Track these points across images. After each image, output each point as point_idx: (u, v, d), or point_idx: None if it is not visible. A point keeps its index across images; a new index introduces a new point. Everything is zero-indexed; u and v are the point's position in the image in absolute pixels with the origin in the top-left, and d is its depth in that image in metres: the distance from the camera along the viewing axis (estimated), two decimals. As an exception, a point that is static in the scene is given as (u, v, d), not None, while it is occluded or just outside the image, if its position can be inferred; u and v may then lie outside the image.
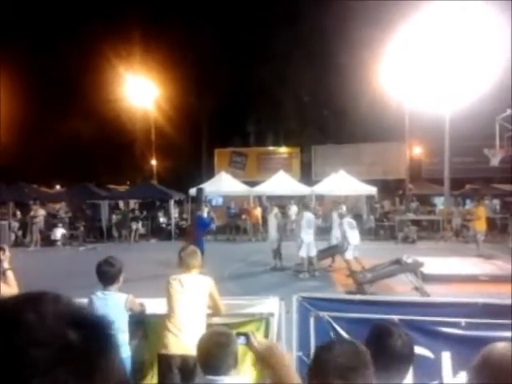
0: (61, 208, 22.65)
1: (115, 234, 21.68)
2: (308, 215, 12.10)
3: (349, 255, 11.52)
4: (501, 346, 1.59)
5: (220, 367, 2.50)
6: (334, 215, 13.80)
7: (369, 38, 23.33)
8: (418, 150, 30.37)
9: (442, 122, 21.52)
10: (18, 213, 22.20)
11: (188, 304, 3.81)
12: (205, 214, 13.16)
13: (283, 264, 12.72)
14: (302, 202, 15.65)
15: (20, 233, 20.87)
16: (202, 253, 12.19)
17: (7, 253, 4.04)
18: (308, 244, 11.74)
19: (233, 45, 31.04)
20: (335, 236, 13.17)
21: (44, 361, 0.51)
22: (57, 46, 29.72)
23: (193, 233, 12.61)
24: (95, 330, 0.58)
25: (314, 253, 11.84)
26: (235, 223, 22.29)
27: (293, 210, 14.15)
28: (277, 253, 12.80)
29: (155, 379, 3.90)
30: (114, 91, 30.23)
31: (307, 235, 11.75)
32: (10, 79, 26.79)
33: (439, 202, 25.50)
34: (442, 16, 19.56)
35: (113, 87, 30.15)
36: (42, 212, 20.00)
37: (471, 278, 10.29)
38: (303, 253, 11.74)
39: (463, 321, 3.45)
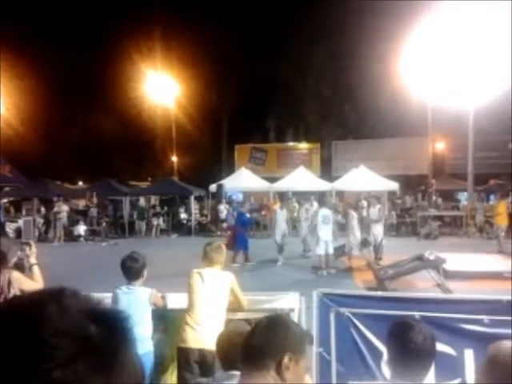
0: (91, 202, 22.86)
1: (137, 229, 21.95)
2: (324, 211, 11.84)
3: None
4: (508, 344, 1.55)
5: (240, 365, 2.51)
6: (372, 210, 13.38)
7: (390, 33, 23.02)
8: (440, 145, 29.91)
9: (466, 116, 21.16)
10: (43, 209, 22.63)
11: (208, 298, 3.83)
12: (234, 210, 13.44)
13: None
14: (319, 197, 15.50)
15: (43, 228, 21.26)
16: (247, 248, 12.50)
17: (33, 248, 4.12)
18: (325, 241, 11.50)
19: (253, 41, 31.02)
20: (372, 233, 12.75)
21: (64, 352, 0.52)
22: (79, 43, 30.14)
23: (234, 229, 12.90)
24: (114, 325, 0.59)
25: (331, 250, 11.57)
26: (255, 219, 22.32)
27: (314, 206, 14.15)
28: (281, 247, 13.04)
29: (176, 372, 3.95)
30: (136, 88, 30.58)
31: (324, 232, 11.51)
32: (34, 77, 27.30)
33: (463, 198, 25.11)
34: (464, 9, 19.18)
35: (135, 84, 30.52)
36: (65, 208, 20.34)
37: (495, 275, 10.09)
38: (320, 250, 11.55)
39: (486, 318, 3.40)
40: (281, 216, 13.65)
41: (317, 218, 11.81)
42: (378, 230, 12.49)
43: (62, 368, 0.51)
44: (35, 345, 0.52)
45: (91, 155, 31.82)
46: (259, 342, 1.62)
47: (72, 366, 0.51)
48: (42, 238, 20.12)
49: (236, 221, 13.40)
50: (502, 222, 15.24)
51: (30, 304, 0.57)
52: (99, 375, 0.53)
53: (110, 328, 0.58)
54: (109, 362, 0.55)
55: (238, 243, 12.64)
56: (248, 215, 13.24)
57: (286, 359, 1.58)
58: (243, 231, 12.89)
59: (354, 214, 12.41)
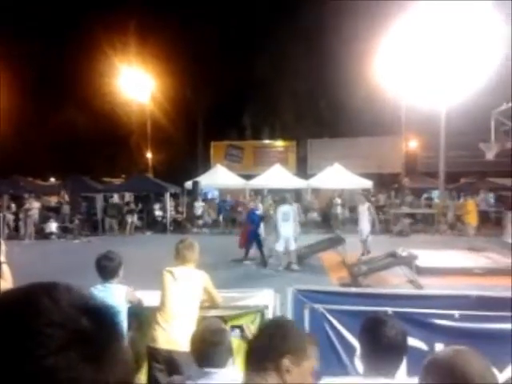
0: (64, 199, 22.37)
1: (110, 226, 21.61)
2: (284, 208, 11.78)
3: None
4: (448, 350, 1.59)
5: (215, 363, 2.50)
6: (361, 207, 13.43)
7: (365, 32, 23.28)
8: (413, 144, 30.44)
9: (438, 116, 21.55)
10: (13, 205, 22.10)
11: (179, 297, 3.78)
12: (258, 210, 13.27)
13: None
14: (280, 195, 15.40)
15: (14, 226, 20.78)
16: (260, 245, 12.24)
17: (3, 246, 4.00)
18: (286, 238, 11.47)
19: (229, 38, 30.95)
20: (360, 228, 12.95)
21: (58, 341, 0.54)
22: (52, 38, 29.54)
23: (245, 227, 12.91)
24: (105, 319, 0.62)
25: (292, 247, 11.52)
26: (231, 216, 22.27)
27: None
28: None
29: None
30: (110, 84, 30.10)
31: (284, 229, 11.49)
32: (5, 72, 26.60)
33: (435, 196, 25.60)
34: (438, 10, 19.50)
35: (108, 80, 30.02)
36: (36, 205, 19.90)
37: (465, 271, 10.34)
38: (280, 247, 11.57)
39: (457, 313, 3.47)
40: None
41: (277, 215, 11.83)
42: (364, 226, 12.80)
43: (54, 355, 0.53)
44: (30, 334, 0.55)
45: (64, 151, 31.24)
46: (259, 346, 1.65)
47: (63, 354, 0.54)
48: (13, 236, 19.64)
49: (246, 219, 13.30)
50: (471, 220, 15.66)
51: (26, 296, 0.60)
52: (90, 365, 0.55)
53: (101, 321, 0.61)
54: (100, 353, 0.57)
55: (250, 241, 12.62)
56: (258, 212, 13.10)
57: (285, 362, 1.58)
58: (254, 229, 12.74)
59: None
